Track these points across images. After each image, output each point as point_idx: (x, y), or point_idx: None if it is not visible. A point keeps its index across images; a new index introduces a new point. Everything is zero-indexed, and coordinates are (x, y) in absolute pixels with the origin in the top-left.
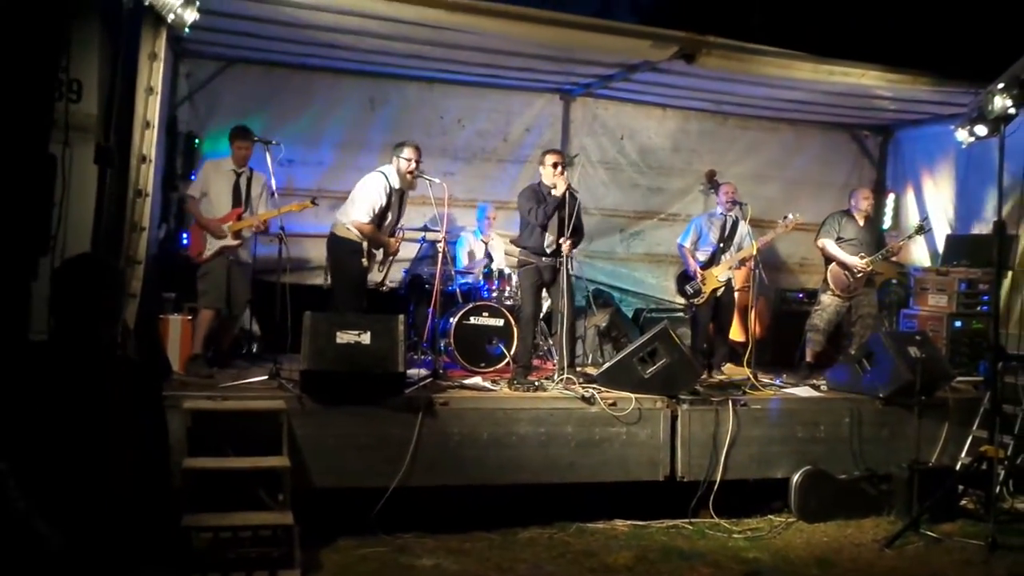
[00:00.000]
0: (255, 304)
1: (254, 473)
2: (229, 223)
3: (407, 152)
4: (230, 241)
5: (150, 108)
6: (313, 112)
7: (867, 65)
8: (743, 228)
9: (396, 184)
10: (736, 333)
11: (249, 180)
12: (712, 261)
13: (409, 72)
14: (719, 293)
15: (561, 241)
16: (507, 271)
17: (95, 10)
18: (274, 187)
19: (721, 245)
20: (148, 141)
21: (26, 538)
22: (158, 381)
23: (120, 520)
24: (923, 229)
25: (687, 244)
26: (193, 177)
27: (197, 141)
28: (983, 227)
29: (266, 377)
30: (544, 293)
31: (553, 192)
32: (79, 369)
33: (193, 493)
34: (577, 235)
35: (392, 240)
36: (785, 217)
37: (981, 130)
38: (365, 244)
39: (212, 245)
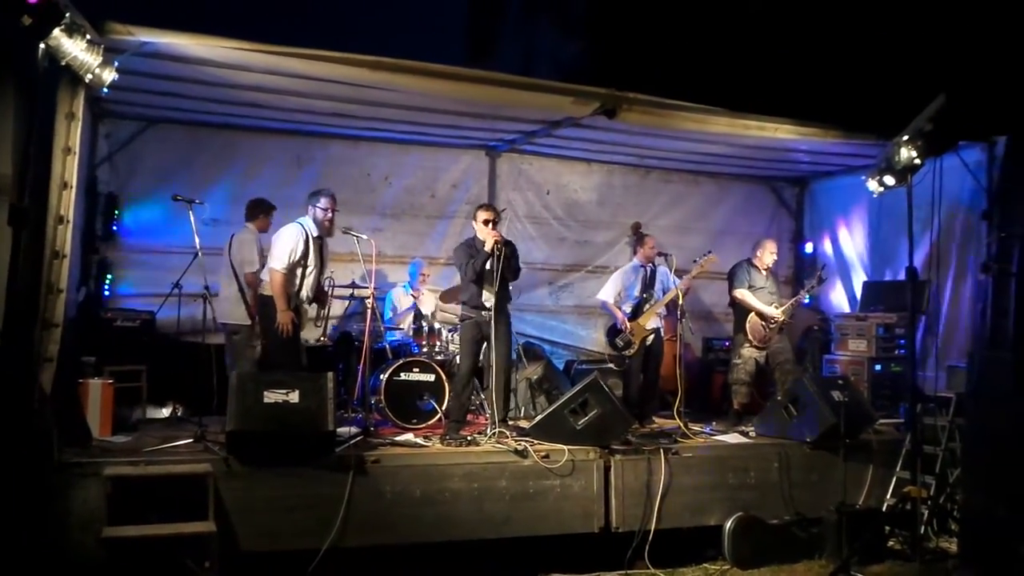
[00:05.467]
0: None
1: (179, 540)
2: None
3: (323, 201)
4: None
5: (68, 168)
6: (238, 171)
7: (780, 119)
8: (664, 275)
9: (314, 232)
10: (665, 382)
11: None
12: (638, 312)
13: (334, 130)
14: (649, 342)
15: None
16: (436, 326)
17: (7, 70)
18: (199, 247)
19: (644, 296)
20: (66, 202)
21: None
22: None
23: None
24: (821, 280)
25: (610, 299)
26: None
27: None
28: (897, 273)
29: (191, 440)
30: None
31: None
32: None
33: (114, 564)
34: (513, 277)
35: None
36: (703, 256)
37: (890, 180)
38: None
39: None
